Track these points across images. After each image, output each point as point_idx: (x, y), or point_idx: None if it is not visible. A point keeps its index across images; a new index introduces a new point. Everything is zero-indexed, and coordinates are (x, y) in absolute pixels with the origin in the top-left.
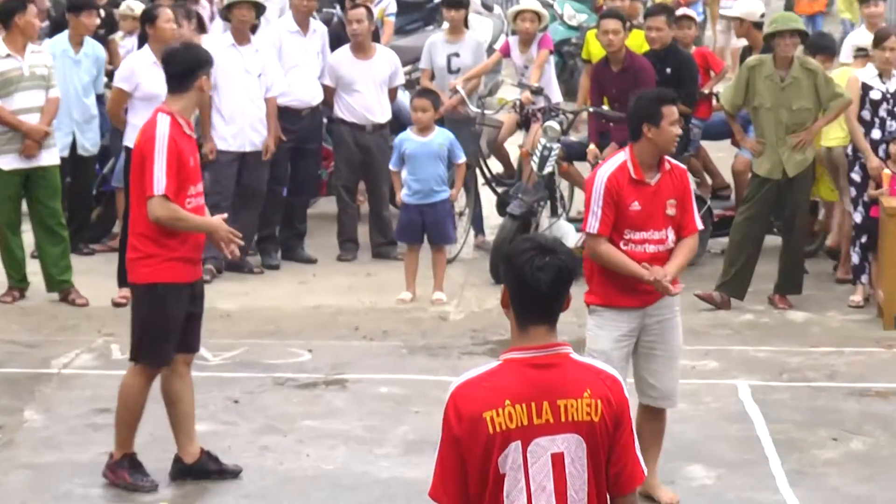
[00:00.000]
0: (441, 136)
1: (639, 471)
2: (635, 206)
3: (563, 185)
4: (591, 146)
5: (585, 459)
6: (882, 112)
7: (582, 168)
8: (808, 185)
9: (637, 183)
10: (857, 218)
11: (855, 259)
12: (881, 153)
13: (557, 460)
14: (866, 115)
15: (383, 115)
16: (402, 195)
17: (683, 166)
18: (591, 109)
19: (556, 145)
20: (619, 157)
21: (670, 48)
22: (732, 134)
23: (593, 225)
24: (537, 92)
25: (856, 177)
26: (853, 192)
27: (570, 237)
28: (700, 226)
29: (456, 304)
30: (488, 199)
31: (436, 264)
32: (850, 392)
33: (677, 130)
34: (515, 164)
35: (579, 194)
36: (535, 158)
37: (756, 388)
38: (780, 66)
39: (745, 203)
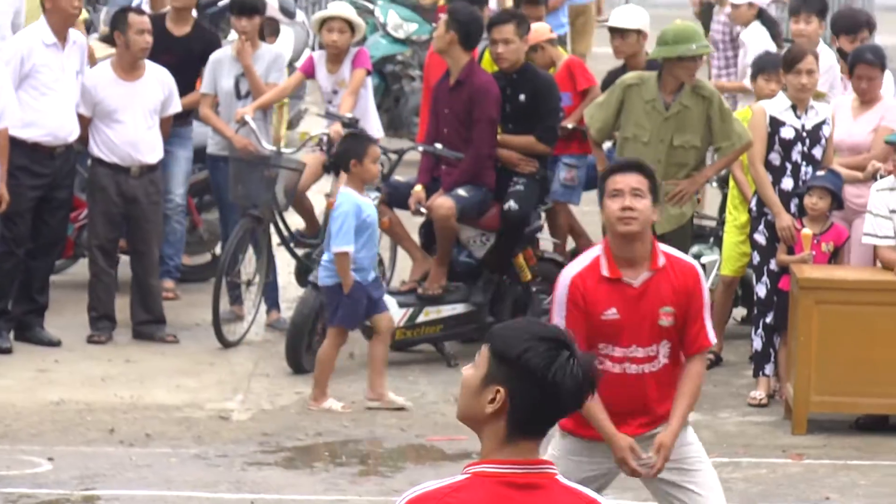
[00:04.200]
0: None
1: None
2: (611, 313)
3: (384, 246)
4: (418, 187)
5: None
6: (796, 155)
7: (406, 219)
8: (682, 248)
9: (612, 282)
10: (761, 291)
11: (757, 344)
12: (794, 208)
13: None
14: (775, 158)
15: (153, 153)
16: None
17: (690, 260)
18: (420, 148)
19: (374, 194)
20: (591, 252)
21: (525, 69)
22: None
23: None
24: (350, 125)
25: (760, 238)
26: (756, 257)
27: (392, 314)
28: (714, 340)
29: (241, 399)
30: (285, 263)
31: None
32: None
33: (616, 206)
34: (321, 219)
35: (404, 259)
36: None
37: None
38: (666, 88)
39: None
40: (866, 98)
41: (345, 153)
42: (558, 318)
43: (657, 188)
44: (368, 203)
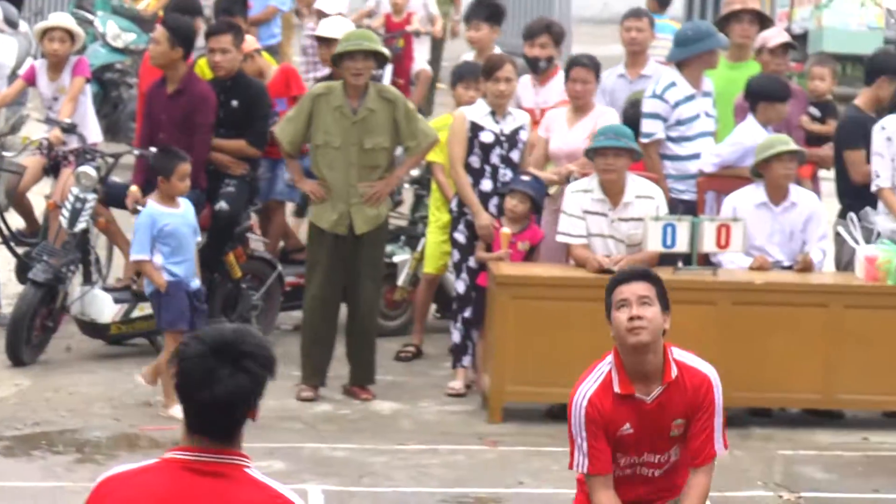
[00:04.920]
0: None
1: None
2: (626, 429)
3: (100, 244)
4: (133, 187)
5: None
6: (494, 158)
7: (123, 218)
8: (380, 247)
9: (625, 399)
10: (460, 287)
11: (455, 337)
12: (492, 208)
13: None
14: (475, 161)
15: None
16: None
17: (706, 370)
18: (136, 152)
19: (91, 196)
20: (601, 367)
21: (238, 77)
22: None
23: (582, 463)
24: (69, 130)
25: (460, 237)
26: (456, 255)
27: (107, 310)
28: (722, 451)
29: None
30: (6, 261)
31: None
32: (444, 498)
33: (623, 317)
34: (41, 219)
35: (120, 257)
36: (65, 212)
37: (331, 494)
38: (351, 94)
39: (309, 266)
40: (580, 102)
41: (153, 171)
42: (580, 440)
43: (665, 294)
44: (171, 213)
